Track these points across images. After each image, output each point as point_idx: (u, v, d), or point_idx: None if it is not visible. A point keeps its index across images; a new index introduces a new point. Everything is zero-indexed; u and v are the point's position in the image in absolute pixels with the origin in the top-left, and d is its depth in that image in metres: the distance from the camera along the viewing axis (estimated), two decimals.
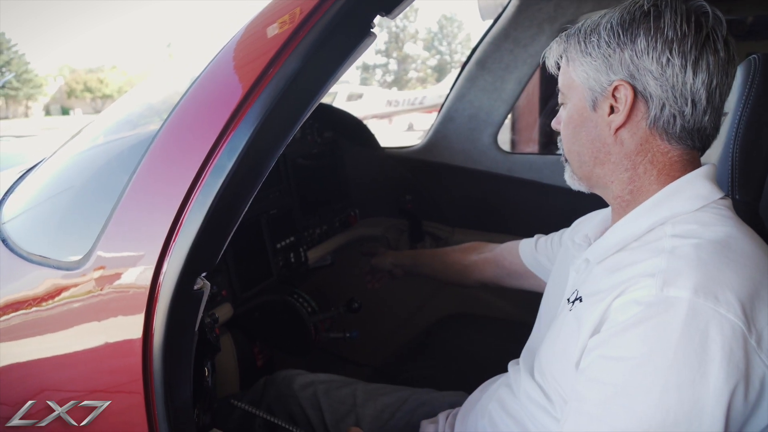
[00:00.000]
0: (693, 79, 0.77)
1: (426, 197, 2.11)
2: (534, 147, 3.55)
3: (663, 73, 0.78)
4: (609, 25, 0.82)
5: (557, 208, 1.89)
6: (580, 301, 0.84)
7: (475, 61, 1.99)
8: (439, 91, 17.10)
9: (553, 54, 0.92)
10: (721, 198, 0.82)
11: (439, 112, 2.12)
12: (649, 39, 0.78)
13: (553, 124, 0.96)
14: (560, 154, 0.96)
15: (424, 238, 2.10)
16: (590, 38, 0.84)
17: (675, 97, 0.79)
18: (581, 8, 1.82)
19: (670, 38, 0.77)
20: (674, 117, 0.80)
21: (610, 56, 0.81)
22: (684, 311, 0.67)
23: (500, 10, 1.99)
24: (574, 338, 0.79)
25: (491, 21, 2.02)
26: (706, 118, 0.80)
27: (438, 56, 51.16)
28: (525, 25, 1.88)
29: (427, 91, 20.84)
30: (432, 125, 2.13)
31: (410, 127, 18.65)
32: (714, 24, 0.78)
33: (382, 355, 2.18)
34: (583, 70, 0.85)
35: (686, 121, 0.80)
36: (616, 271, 0.79)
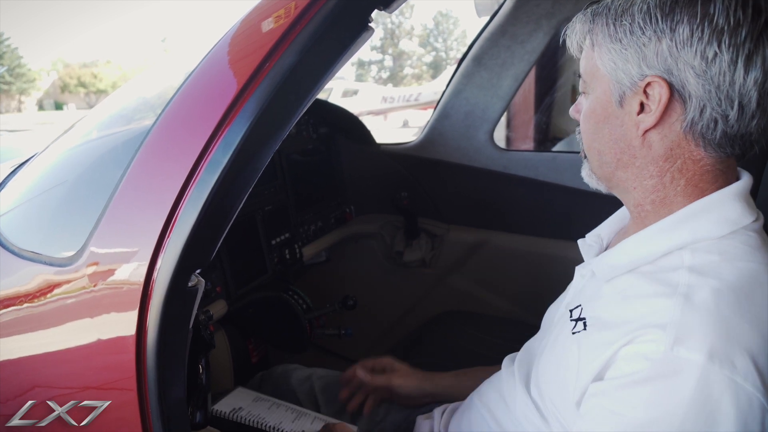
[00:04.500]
0: (744, 77, 0.65)
1: (422, 194, 2.11)
2: (530, 144, 3.55)
3: (707, 70, 0.65)
4: (645, 7, 0.69)
5: (553, 205, 1.89)
6: (584, 326, 0.76)
7: (472, 57, 1.98)
8: (435, 88, 17.10)
9: (576, 35, 0.79)
10: (754, 221, 0.71)
11: (435, 108, 2.12)
12: (694, 27, 0.65)
13: (572, 111, 0.86)
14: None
15: (419, 235, 2.10)
16: (621, 21, 0.71)
17: (719, 98, 0.66)
18: (579, 4, 1.82)
19: (720, 27, 0.64)
20: (715, 121, 0.68)
21: (644, 45, 0.69)
22: (695, 378, 0.59)
23: (496, 7, 1.98)
24: (573, 370, 0.73)
25: (487, 18, 2.02)
26: (754, 122, 0.68)
27: (434, 53, 51.23)
28: (522, 21, 1.87)
29: (422, 87, 20.80)
30: (428, 122, 2.13)
31: (405, 124, 18.66)
32: None
33: (378, 352, 2.17)
34: (610, 59, 0.72)
35: (729, 127, 0.68)
36: (625, 300, 0.72)
